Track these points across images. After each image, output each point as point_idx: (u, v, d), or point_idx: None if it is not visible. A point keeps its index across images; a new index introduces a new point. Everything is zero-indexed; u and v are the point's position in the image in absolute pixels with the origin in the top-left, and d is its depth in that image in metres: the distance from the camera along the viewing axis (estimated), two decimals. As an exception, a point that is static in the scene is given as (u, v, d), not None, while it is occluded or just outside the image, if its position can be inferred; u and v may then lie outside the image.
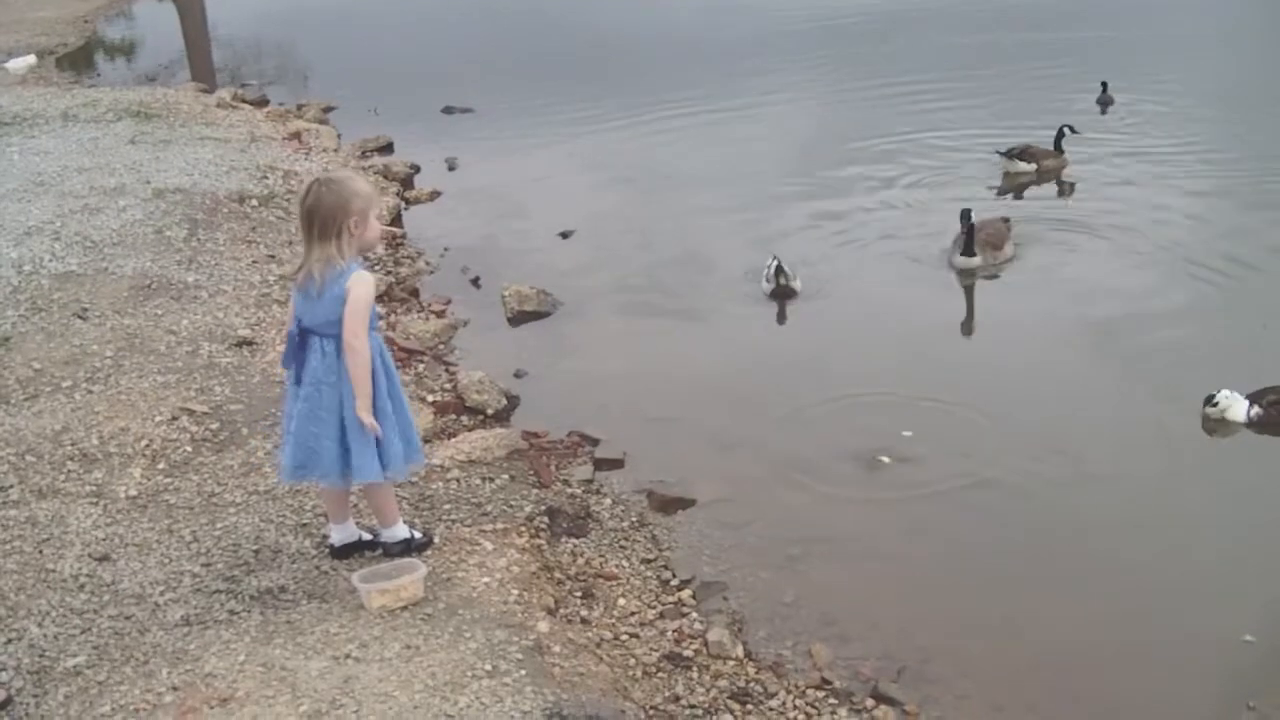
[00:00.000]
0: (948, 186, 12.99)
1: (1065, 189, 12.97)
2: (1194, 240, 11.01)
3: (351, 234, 5.15)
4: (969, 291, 10.10)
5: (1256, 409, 7.68)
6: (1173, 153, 13.69)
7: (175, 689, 4.83)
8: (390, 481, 5.61)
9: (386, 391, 5.36)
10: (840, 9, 23.59)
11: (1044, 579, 6.46)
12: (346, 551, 5.76)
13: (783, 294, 9.99)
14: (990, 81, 17.54)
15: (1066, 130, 13.39)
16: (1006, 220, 10.95)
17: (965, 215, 10.25)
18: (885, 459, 7.60)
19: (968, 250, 10.20)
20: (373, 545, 5.78)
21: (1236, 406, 7.70)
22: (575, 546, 6.55)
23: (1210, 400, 7.70)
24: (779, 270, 9.91)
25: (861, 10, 23.43)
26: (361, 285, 5.16)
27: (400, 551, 5.70)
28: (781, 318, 9.81)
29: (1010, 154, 13.29)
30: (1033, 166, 13.20)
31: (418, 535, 5.82)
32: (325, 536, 5.87)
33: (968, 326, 9.58)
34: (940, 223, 11.59)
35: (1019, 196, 12.88)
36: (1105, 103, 15.98)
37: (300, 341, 5.30)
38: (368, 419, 5.21)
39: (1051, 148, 13.38)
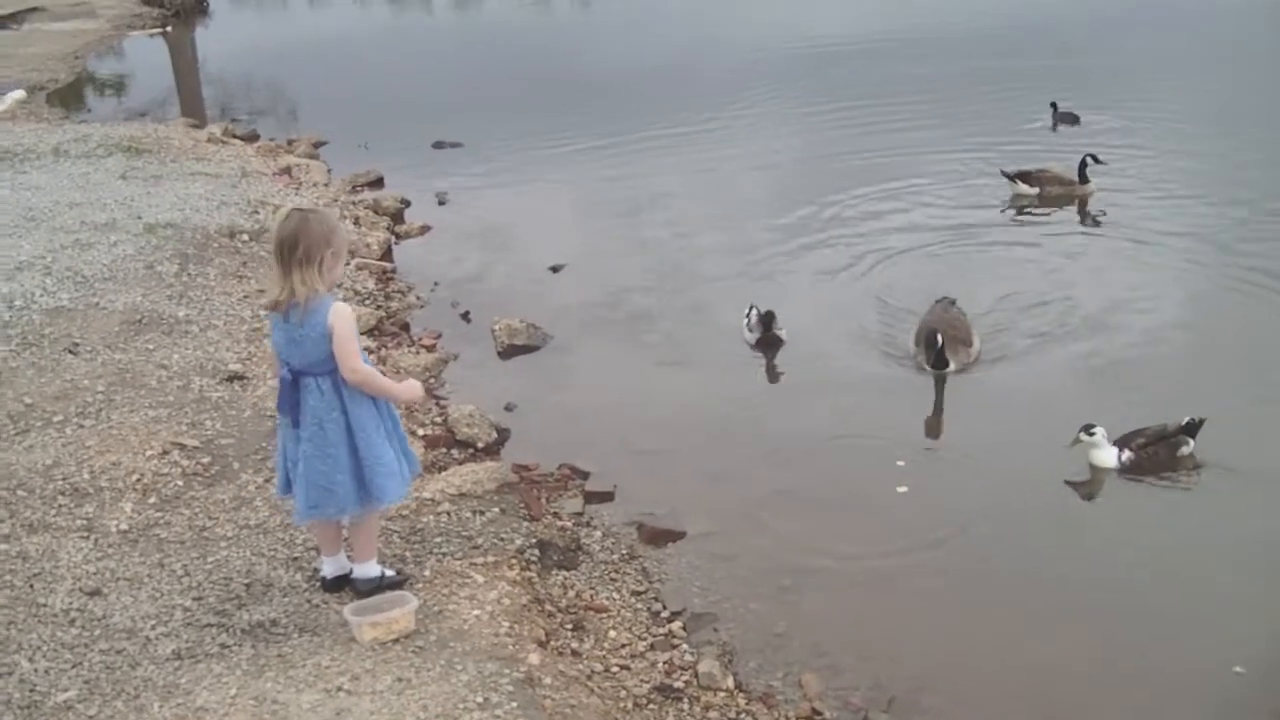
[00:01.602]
0: (935, 208, 13.30)
1: (1087, 218, 13.04)
2: (1169, 273, 11.15)
3: (328, 267, 5.19)
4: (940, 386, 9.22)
5: (1128, 453, 7.72)
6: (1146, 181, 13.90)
7: (167, 723, 4.83)
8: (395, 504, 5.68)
9: (386, 411, 5.44)
10: (824, 40, 23.90)
11: (1034, 611, 6.49)
12: (339, 584, 5.76)
13: (769, 342, 9.82)
14: (976, 106, 17.87)
15: (1089, 159, 13.39)
16: (954, 302, 9.92)
17: (932, 339, 9.17)
18: (903, 488, 7.65)
19: (940, 363, 9.15)
20: (364, 579, 5.79)
21: (1105, 452, 7.73)
22: (566, 579, 6.57)
23: (1089, 429, 7.70)
24: (766, 319, 9.74)
25: (845, 41, 23.74)
26: (342, 321, 5.18)
27: (369, 590, 5.67)
28: (771, 369, 9.64)
29: (1012, 176, 13.43)
30: (1035, 190, 13.29)
31: (389, 574, 5.79)
32: (316, 570, 5.89)
33: (935, 425, 8.74)
34: (928, 248, 11.86)
35: (1017, 218, 13.09)
36: (1062, 120, 16.56)
37: (293, 383, 5.32)
38: (411, 394, 5.57)
39: (1059, 172, 13.42)
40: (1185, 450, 7.78)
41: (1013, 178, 13.44)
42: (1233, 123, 16.10)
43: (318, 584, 5.82)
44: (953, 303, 9.88)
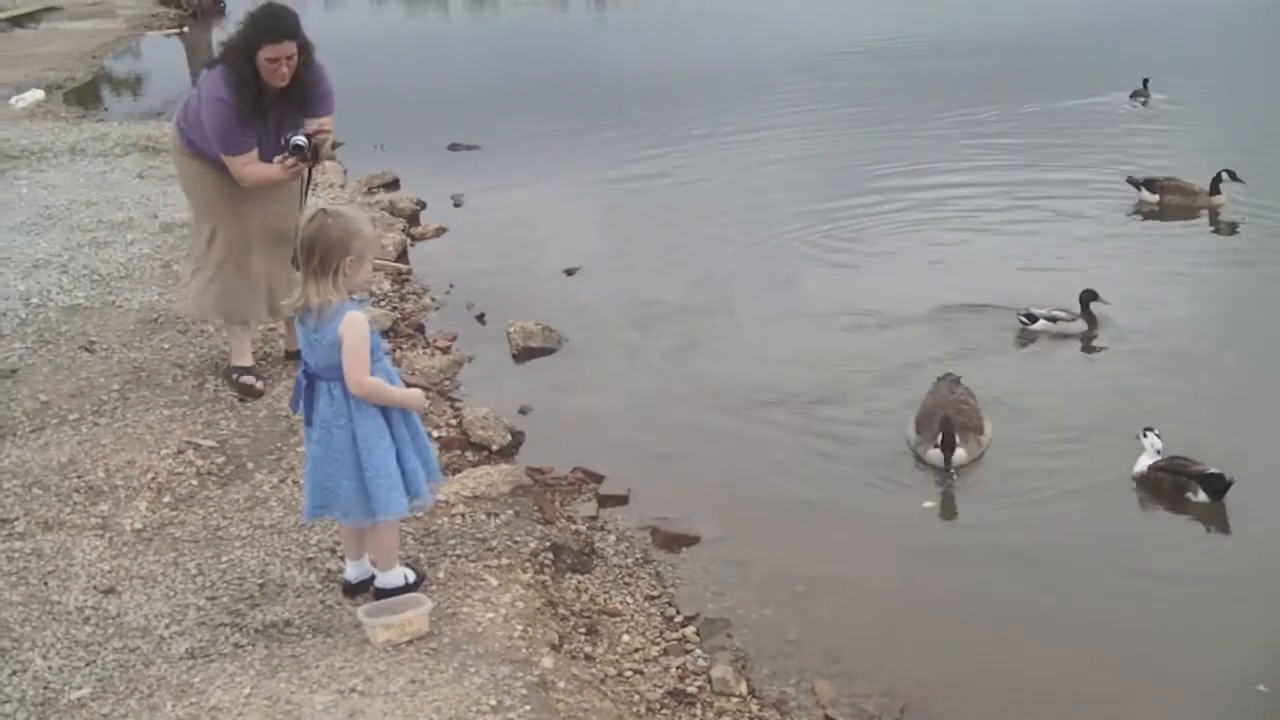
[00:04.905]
0: (992, 212, 13.26)
1: (1222, 228, 12.82)
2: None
3: (346, 274, 5.09)
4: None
5: (1146, 469, 7.58)
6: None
7: (180, 722, 4.83)
8: (414, 512, 5.63)
9: (400, 420, 5.37)
10: (846, 44, 23.88)
11: (1051, 622, 6.42)
12: (359, 589, 5.74)
13: (1091, 322, 9.96)
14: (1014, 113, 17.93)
15: (1225, 175, 13.00)
16: (958, 380, 8.59)
17: (947, 426, 7.82)
18: (929, 504, 7.61)
19: (948, 453, 7.81)
20: (383, 584, 5.77)
21: (1143, 458, 7.60)
22: (579, 583, 6.55)
23: (1146, 430, 7.62)
24: (1086, 297, 9.94)
25: (868, 45, 23.73)
26: (353, 331, 5.07)
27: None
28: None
29: (1138, 183, 13.36)
30: (1155, 197, 13.19)
31: (411, 578, 5.74)
32: (330, 571, 5.89)
33: (950, 509, 7.65)
34: (960, 261, 11.77)
35: (1145, 221, 13.01)
36: (1141, 96, 17.67)
37: (308, 384, 5.30)
38: (418, 401, 5.46)
39: (1184, 182, 13.23)
40: (1193, 497, 7.38)
41: (1139, 184, 13.33)
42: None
43: (333, 585, 5.81)
44: (957, 381, 8.57)
